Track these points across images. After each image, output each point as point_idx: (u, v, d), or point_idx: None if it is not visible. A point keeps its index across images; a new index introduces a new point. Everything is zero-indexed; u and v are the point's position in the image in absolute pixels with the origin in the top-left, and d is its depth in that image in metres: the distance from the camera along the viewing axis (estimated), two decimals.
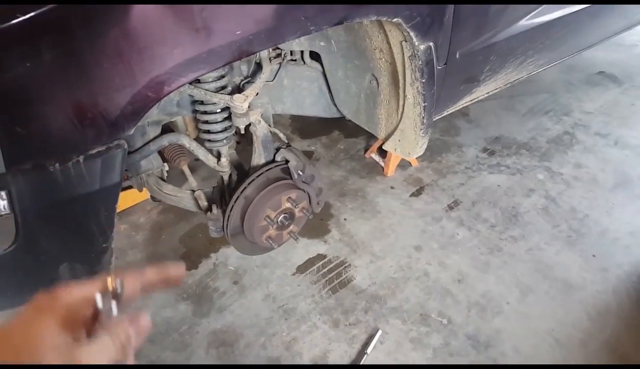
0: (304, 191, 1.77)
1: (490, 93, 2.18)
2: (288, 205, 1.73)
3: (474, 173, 2.75)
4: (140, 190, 1.94)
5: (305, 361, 1.84)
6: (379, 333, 1.91)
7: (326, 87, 2.12)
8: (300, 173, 1.71)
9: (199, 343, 1.92)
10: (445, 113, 2.09)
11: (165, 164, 1.94)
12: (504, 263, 2.20)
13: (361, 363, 1.81)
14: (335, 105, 2.18)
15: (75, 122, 1.02)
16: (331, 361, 1.84)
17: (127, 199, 2.50)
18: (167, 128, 1.94)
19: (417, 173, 2.77)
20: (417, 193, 2.63)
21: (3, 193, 0.99)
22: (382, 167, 2.77)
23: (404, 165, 2.79)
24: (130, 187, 1.97)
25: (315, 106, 2.19)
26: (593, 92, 3.41)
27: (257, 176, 1.68)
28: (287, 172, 1.75)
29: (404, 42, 1.55)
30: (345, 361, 1.84)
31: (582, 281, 2.09)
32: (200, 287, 2.14)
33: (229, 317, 2.01)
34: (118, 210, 2.46)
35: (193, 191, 1.86)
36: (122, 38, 1.00)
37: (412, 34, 1.47)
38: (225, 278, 2.18)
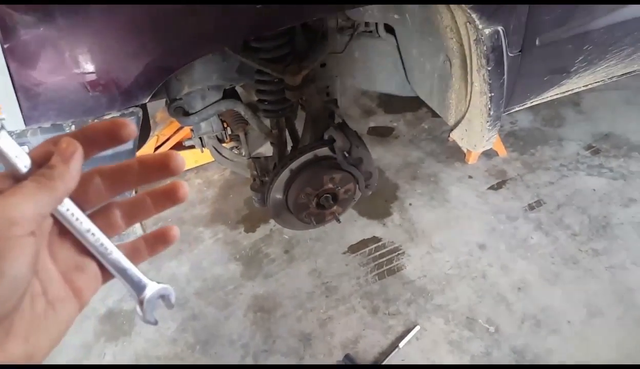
0: (350, 173, 1.75)
1: (590, 86, 1.93)
2: (330, 185, 1.72)
3: (568, 172, 2.50)
4: (202, 151, 2.06)
5: (336, 342, 1.87)
6: (417, 328, 1.87)
7: (401, 63, 2.03)
8: (347, 154, 1.69)
9: (240, 304, 2.04)
10: (529, 104, 1.90)
11: (229, 128, 2.03)
12: (576, 278, 2.00)
13: (391, 356, 1.79)
14: (410, 83, 2.08)
15: (88, 87, 1.11)
16: (361, 347, 1.85)
17: (206, 155, 2.66)
18: (233, 92, 2.02)
19: (502, 165, 2.58)
20: (496, 187, 2.46)
21: (25, 147, 1.12)
22: (464, 154, 2.62)
23: (489, 153, 2.62)
24: (192, 147, 2.09)
25: (388, 82, 2.11)
26: None
27: (300, 153, 1.69)
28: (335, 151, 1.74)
29: (467, 24, 1.43)
30: (376, 350, 1.84)
31: None
32: (254, 250, 2.25)
33: (273, 284, 2.10)
34: (197, 165, 2.70)
35: (248, 158, 1.93)
36: (136, 9, 1.06)
37: (474, 15, 1.34)
38: (278, 246, 2.26)
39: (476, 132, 1.72)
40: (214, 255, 2.26)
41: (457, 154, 2.66)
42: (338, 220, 1.83)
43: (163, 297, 0.52)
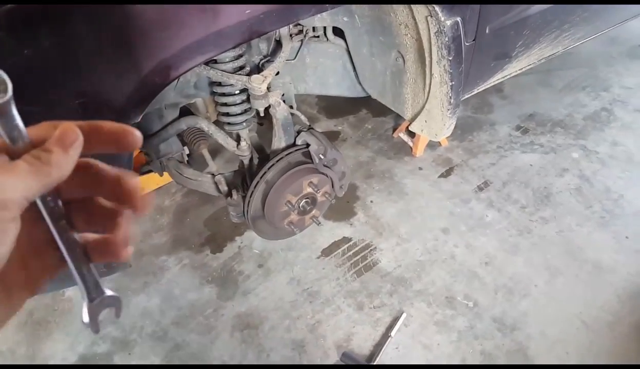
0: (326, 175, 1.82)
1: (524, 69, 2.16)
2: (309, 189, 1.79)
3: (505, 153, 2.75)
4: (161, 175, 2.03)
5: (329, 343, 1.92)
6: (404, 315, 1.97)
7: (351, 65, 2.14)
8: (322, 157, 1.76)
9: (223, 326, 2.03)
10: (476, 91, 2.09)
11: (185, 148, 2.02)
12: (533, 245, 2.22)
13: (385, 346, 1.87)
14: (360, 83, 2.19)
15: (78, 110, 1.07)
16: (355, 343, 1.91)
17: (151, 182, 2.61)
18: (186, 111, 2.01)
19: (446, 153, 2.78)
20: (446, 174, 2.65)
21: None
22: (411, 147, 2.80)
23: (433, 145, 2.81)
24: (151, 171, 2.05)
25: (339, 85, 2.21)
26: (634, 66, 3.34)
27: (277, 160, 1.74)
28: (308, 155, 1.80)
29: (429, 17, 1.55)
30: (370, 343, 1.91)
31: (614, 264, 2.10)
32: (225, 270, 2.24)
33: (253, 300, 2.11)
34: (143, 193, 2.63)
35: (213, 175, 1.93)
36: (124, 23, 1.04)
37: (437, 8, 1.48)
38: (250, 261, 2.27)
39: (437, 121, 1.87)
40: (184, 281, 2.22)
41: (404, 149, 2.82)
42: (318, 223, 1.89)
43: (111, 307, 0.50)
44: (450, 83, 1.72)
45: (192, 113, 2.01)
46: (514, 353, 1.83)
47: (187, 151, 2.09)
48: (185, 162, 2.11)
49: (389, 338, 1.90)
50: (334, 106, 3.22)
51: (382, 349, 1.87)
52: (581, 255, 2.16)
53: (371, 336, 1.94)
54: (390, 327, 1.95)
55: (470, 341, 1.89)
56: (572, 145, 2.74)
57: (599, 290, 2.02)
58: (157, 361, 1.93)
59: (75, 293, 2.23)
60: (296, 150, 1.78)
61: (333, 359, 1.87)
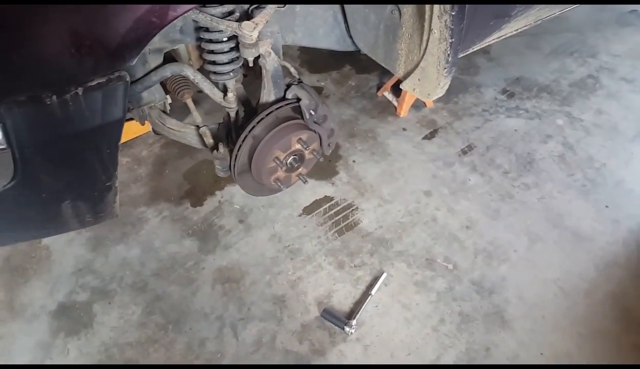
0: (316, 132, 1.81)
1: (520, 30, 2.15)
2: (298, 146, 1.78)
3: (490, 116, 2.78)
4: (143, 123, 1.98)
5: (310, 299, 1.97)
6: (384, 275, 2.02)
7: (342, 15, 2.08)
8: (312, 112, 1.74)
9: (204, 278, 2.05)
10: (471, 50, 2.06)
11: (168, 96, 1.97)
12: (514, 211, 2.28)
13: (365, 304, 1.93)
14: (350, 37, 2.14)
15: (72, 50, 1.01)
16: (335, 300, 1.96)
17: (128, 131, 2.55)
18: (170, 58, 1.95)
19: (431, 115, 2.80)
20: (430, 136, 2.67)
21: None
22: (395, 107, 2.79)
23: (418, 105, 2.82)
24: (131, 119, 2.00)
25: (328, 37, 2.14)
26: (623, 33, 3.36)
27: (267, 115, 1.71)
28: (298, 110, 1.78)
29: None
30: (350, 301, 1.96)
31: (592, 232, 2.18)
32: (206, 224, 2.24)
33: (234, 255, 2.12)
34: (120, 142, 2.57)
35: (198, 127, 1.90)
36: None
37: None
38: (231, 216, 2.27)
39: (431, 81, 1.86)
40: (164, 233, 2.21)
41: (388, 109, 2.82)
42: (305, 181, 1.90)
43: None
44: (450, 40, 1.67)
45: (175, 61, 1.95)
46: (491, 315, 1.91)
47: (169, 100, 2.05)
48: (168, 111, 2.07)
49: (369, 297, 1.96)
50: (317, 60, 3.16)
51: (362, 307, 1.92)
52: (561, 222, 2.23)
53: (351, 294, 1.99)
54: (370, 286, 2.00)
55: (448, 302, 1.96)
56: (557, 112, 2.79)
57: (577, 258, 2.09)
58: (138, 312, 1.94)
59: (52, 241, 2.21)
60: (286, 105, 1.76)
61: (314, 315, 1.92)
